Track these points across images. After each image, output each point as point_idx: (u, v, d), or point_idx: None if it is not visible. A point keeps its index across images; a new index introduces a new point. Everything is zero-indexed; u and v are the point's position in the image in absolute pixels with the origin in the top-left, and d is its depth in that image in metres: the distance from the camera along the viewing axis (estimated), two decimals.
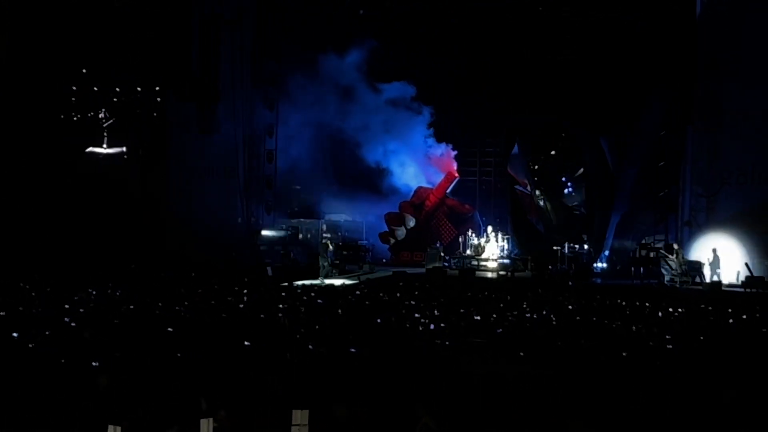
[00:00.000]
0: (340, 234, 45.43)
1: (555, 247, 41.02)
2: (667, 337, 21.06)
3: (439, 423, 15.14)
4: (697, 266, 37.31)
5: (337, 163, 46.31)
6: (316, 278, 36.95)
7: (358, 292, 30.89)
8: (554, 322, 24.25)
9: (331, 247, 39.58)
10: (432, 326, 22.69)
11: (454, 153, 46.00)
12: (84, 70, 44.24)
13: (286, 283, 34.62)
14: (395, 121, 45.33)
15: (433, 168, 46.26)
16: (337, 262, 39.52)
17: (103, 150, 45.45)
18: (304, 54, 43.84)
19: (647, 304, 27.87)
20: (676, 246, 37.91)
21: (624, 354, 18.99)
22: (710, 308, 27.13)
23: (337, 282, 35.85)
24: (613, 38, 40.09)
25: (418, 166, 46.42)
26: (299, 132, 44.65)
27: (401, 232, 44.86)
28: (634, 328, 22.59)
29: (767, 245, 37.15)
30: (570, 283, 37.22)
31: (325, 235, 41.92)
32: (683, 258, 37.36)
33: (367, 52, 44.09)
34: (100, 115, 45.00)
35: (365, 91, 44.59)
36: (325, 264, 37.91)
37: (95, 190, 42.83)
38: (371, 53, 44.12)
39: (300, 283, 34.69)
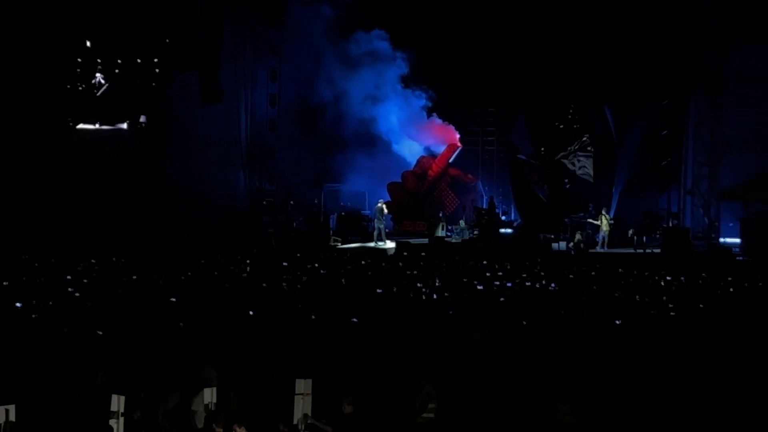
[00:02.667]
0: (341, 204, 45.36)
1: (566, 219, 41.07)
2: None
3: (441, 391, 15.24)
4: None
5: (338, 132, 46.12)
6: (326, 244, 38.71)
7: (363, 262, 30.94)
8: (556, 291, 24.31)
9: (386, 211, 40.62)
10: (435, 296, 22.75)
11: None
12: (88, 43, 44.04)
13: (339, 244, 38.19)
14: (390, 91, 45.23)
15: (434, 137, 46.15)
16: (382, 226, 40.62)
17: (98, 126, 45.29)
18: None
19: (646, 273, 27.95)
20: (604, 211, 38.71)
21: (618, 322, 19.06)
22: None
23: (389, 245, 38.68)
24: (616, 6, 39.88)
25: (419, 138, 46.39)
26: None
27: None
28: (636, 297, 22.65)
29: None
30: (572, 252, 37.42)
31: (381, 200, 41.85)
32: (608, 224, 38.28)
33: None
34: (93, 81, 44.78)
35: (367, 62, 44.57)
36: (381, 227, 39.79)
37: (95, 163, 42.70)
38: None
39: (355, 245, 37.96)
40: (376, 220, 40.22)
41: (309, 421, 13.42)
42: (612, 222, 38.82)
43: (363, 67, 45.12)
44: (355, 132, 45.50)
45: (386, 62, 45.15)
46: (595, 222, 38.77)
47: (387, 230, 44.43)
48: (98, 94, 44.11)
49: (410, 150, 46.40)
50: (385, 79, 45.26)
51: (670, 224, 39.33)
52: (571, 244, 38.48)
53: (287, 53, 43.64)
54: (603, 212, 38.70)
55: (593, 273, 28.10)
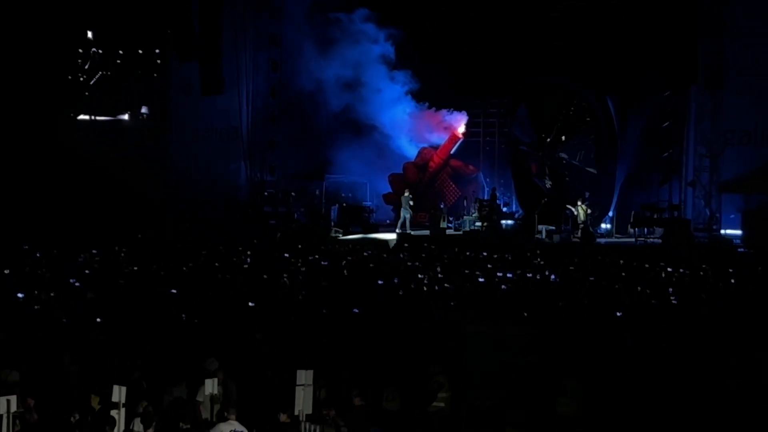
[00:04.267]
0: (343, 195, 45.28)
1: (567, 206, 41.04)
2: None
3: (451, 380, 15.32)
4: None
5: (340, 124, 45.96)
6: (327, 236, 39.12)
7: (366, 254, 30.99)
8: (557, 283, 24.36)
9: (411, 202, 40.91)
10: (437, 288, 22.80)
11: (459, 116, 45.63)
12: (89, 34, 44.11)
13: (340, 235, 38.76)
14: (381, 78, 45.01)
15: (436, 130, 46.02)
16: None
17: (100, 117, 45.41)
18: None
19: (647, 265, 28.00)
20: (579, 201, 38.75)
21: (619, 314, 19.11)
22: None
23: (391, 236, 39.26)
24: None
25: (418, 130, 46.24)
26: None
27: None
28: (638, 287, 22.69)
29: None
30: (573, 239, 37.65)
31: (407, 190, 41.84)
32: (586, 214, 38.37)
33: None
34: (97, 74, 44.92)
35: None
36: (407, 216, 40.34)
37: (96, 154, 42.77)
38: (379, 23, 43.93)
39: (356, 236, 38.79)
40: (402, 209, 40.65)
41: (330, 416, 13.57)
42: (590, 211, 38.87)
43: (353, 53, 44.60)
44: (351, 122, 45.16)
45: (370, 44, 44.42)
46: (573, 210, 38.90)
47: (387, 221, 44.51)
48: (91, 83, 44.22)
49: (410, 141, 46.22)
50: (378, 68, 44.80)
51: (672, 216, 39.29)
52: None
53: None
54: (579, 202, 38.88)
55: (594, 265, 28.12)
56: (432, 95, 45.12)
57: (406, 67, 44.36)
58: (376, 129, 44.89)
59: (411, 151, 45.95)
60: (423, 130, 45.96)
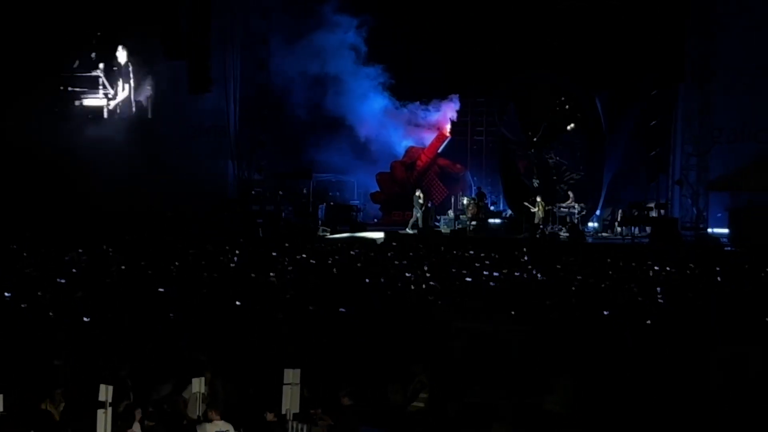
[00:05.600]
0: (330, 194, 45.24)
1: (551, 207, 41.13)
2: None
3: (434, 380, 15.32)
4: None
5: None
6: (314, 235, 39.26)
7: (352, 253, 30.99)
8: (544, 281, 24.41)
9: (421, 201, 41.18)
10: (424, 286, 22.81)
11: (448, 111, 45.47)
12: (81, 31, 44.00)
13: (327, 234, 38.86)
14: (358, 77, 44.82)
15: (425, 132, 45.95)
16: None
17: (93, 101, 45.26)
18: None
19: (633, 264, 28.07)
20: (538, 198, 39.41)
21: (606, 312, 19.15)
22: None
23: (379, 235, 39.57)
24: None
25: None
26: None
27: None
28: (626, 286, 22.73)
29: (758, 203, 37.25)
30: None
31: (418, 189, 41.90)
32: (543, 210, 39.20)
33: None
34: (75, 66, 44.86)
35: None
36: (418, 215, 40.74)
37: (84, 152, 42.68)
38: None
39: (344, 235, 38.87)
40: (414, 209, 41.14)
41: (317, 415, 13.60)
42: (549, 208, 39.53)
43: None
44: (332, 119, 44.83)
45: (343, 34, 43.99)
46: (532, 208, 39.47)
47: (375, 220, 44.54)
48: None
49: (397, 139, 46.09)
50: (352, 64, 44.37)
51: (659, 214, 39.38)
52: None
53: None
54: (538, 199, 39.36)
55: (582, 264, 28.17)
56: (420, 92, 45.06)
57: (393, 69, 44.27)
58: (358, 126, 44.67)
59: (398, 150, 45.90)
60: (409, 127, 45.87)
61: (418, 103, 45.20)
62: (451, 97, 44.77)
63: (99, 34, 44.66)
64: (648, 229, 38.42)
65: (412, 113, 45.42)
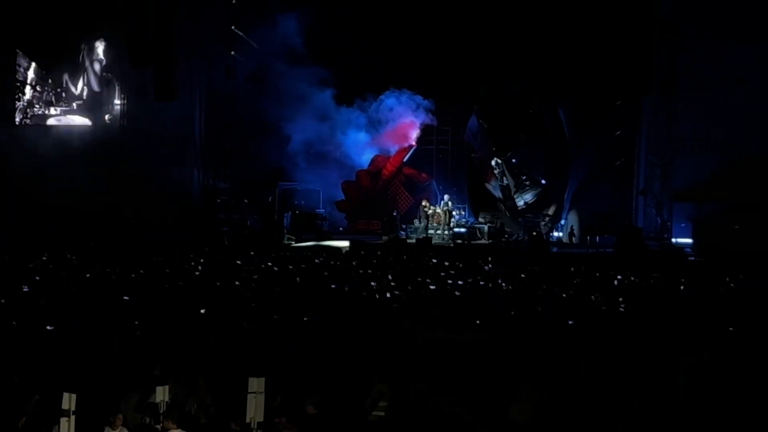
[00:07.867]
0: (296, 202, 45.18)
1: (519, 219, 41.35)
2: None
3: (393, 390, 15.29)
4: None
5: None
6: (280, 243, 39.16)
7: (317, 261, 30.96)
8: (509, 290, 24.46)
9: (428, 211, 41.69)
10: (388, 295, 22.81)
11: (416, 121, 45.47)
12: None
13: (293, 242, 39.02)
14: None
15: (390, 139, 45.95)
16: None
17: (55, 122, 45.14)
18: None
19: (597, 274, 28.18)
20: (447, 196, 41.46)
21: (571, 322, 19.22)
22: None
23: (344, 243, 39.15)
24: (569, 3, 39.99)
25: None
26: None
27: None
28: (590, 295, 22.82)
29: (721, 213, 37.50)
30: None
31: (424, 200, 42.00)
32: (447, 217, 40.73)
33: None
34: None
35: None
36: (419, 226, 41.51)
37: (50, 160, 42.53)
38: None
39: (309, 244, 38.92)
40: (416, 219, 41.99)
41: (282, 423, 13.55)
42: (453, 212, 41.01)
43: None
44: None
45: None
46: (427, 210, 40.90)
47: (340, 229, 44.55)
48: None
49: (360, 148, 46.03)
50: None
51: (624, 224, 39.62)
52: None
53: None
54: (446, 197, 41.34)
55: (546, 272, 28.28)
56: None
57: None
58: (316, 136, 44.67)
59: (363, 159, 45.93)
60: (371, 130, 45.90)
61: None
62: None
63: (64, 37, 44.46)
64: (612, 239, 38.65)
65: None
